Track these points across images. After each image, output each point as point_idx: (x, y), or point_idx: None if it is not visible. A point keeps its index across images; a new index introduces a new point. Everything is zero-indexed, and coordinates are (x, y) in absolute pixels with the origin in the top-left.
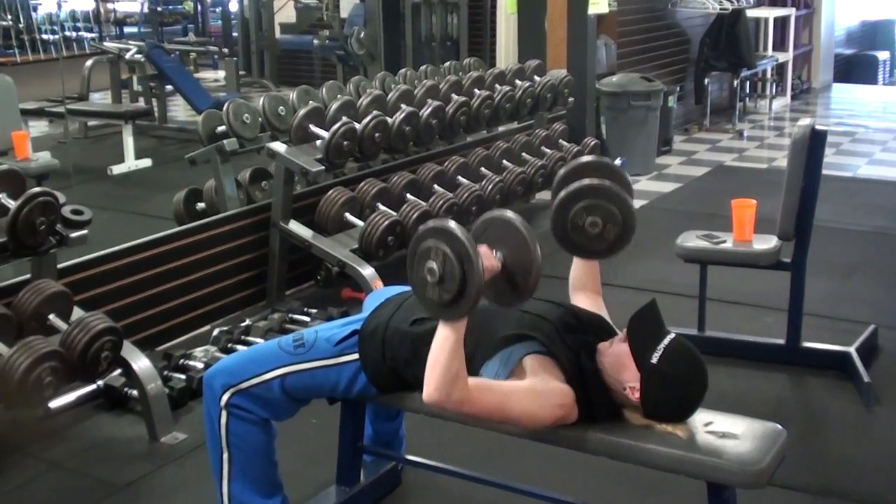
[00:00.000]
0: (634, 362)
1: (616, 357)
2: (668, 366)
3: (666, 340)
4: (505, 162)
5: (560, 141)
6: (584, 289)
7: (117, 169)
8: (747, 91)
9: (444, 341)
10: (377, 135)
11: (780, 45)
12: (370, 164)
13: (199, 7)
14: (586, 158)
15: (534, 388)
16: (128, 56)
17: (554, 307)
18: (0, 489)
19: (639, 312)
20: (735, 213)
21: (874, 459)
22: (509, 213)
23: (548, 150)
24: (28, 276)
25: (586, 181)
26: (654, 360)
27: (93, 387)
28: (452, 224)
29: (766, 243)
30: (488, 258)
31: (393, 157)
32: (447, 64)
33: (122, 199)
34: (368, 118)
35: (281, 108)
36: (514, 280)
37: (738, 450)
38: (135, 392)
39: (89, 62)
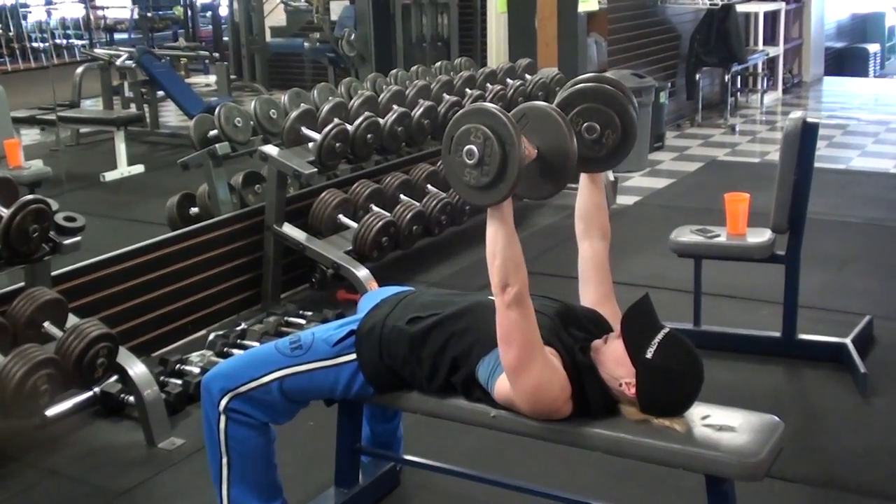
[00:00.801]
0: (629, 358)
1: (611, 353)
2: (663, 360)
3: (660, 335)
4: None
5: None
6: (588, 227)
7: (110, 175)
8: (738, 86)
9: (496, 234)
10: (369, 136)
11: (770, 39)
12: (363, 166)
13: (189, 12)
14: (586, 75)
15: (551, 361)
16: (118, 62)
17: (550, 302)
18: None
19: (632, 308)
20: (728, 207)
21: (872, 449)
22: (545, 104)
23: None
24: (22, 283)
25: (580, 85)
26: (649, 355)
27: (89, 394)
28: (493, 106)
29: (759, 237)
30: (526, 144)
31: (385, 158)
32: (438, 64)
33: (115, 205)
34: (360, 119)
35: (272, 111)
36: (549, 169)
37: (736, 442)
38: (131, 398)
39: (80, 69)
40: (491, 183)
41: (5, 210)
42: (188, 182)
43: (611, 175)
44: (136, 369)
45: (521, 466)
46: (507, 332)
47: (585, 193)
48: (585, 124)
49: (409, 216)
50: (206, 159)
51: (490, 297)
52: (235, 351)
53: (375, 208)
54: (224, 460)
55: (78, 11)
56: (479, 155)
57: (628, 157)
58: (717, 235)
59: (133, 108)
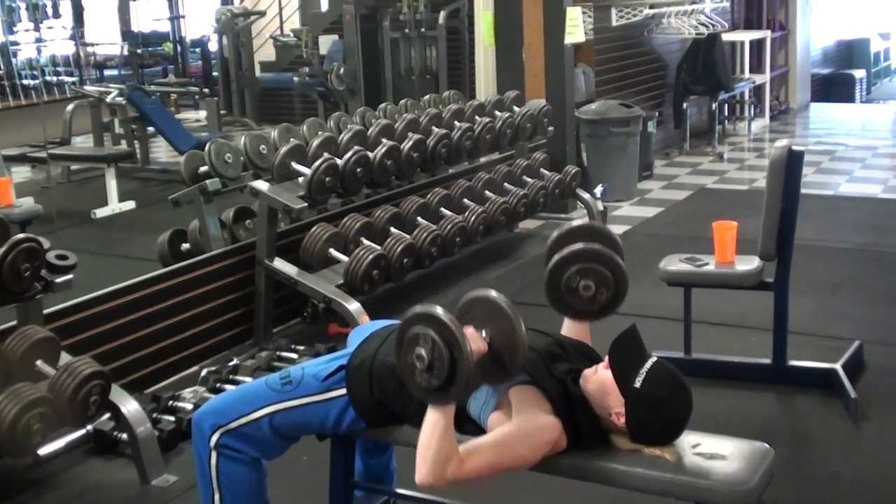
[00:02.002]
0: (618, 388)
1: (600, 384)
2: (651, 390)
3: (648, 364)
4: (487, 192)
5: (541, 170)
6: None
7: (101, 212)
8: (726, 114)
9: (434, 425)
10: (359, 170)
11: (756, 67)
12: (353, 199)
13: (179, 48)
14: (577, 222)
15: (522, 430)
16: (109, 99)
17: (539, 336)
18: None
19: (620, 338)
20: (716, 236)
21: (863, 475)
22: (493, 294)
23: (529, 180)
24: (14, 322)
25: (579, 245)
26: (638, 384)
27: (82, 432)
28: (440, 310)
29: (748, 264)
30: (475, 340)
31: (376, 192)
32: (427, 97)
33: (106, 242)
34: (350, 153)
35: (262, 146)
36: (499, 359)
37: (727, 470)
38: (124, 435)
39: (70, 106)
40: (441, 387)
41: None
42: (179, 218)
43: (600, 205)
44: (129, 406)
45: (514, 498)
46: (467, 483)
47: (571, 333)
48: (582, 282)
49: (399, 249)
50: (196, 195)
51: None
52: (228, 386)
53: (366, 241)
54: (216, 497)
55: (68, 48)
56: (429, 360)
57: (617, 185)
58: (706, 264)
59: (123, 145)
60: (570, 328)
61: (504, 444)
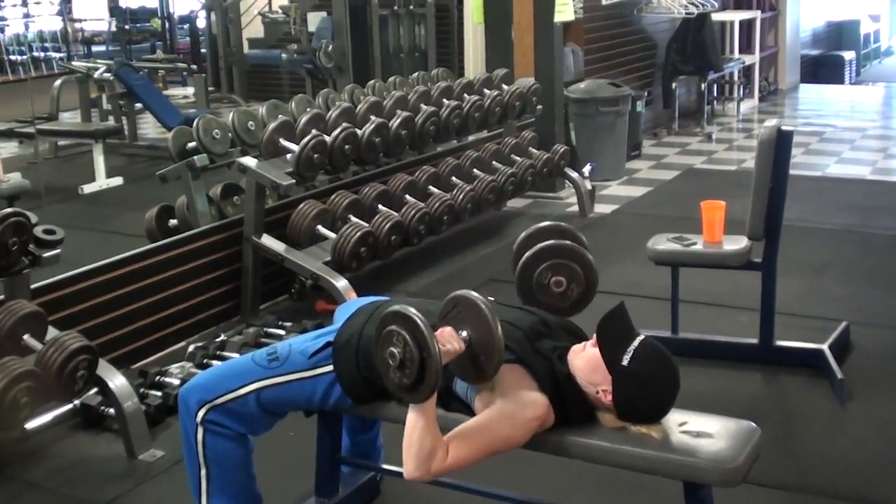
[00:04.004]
0: (605, 365)
1: (587, 361)
2: (638, 367)
3: (635, 342)
4: (475, 171)
5: (530, 148)
6: None
7: (88, 188)
8: (715, 94)
9: (415, 423)
10: (347, 147)
11: (746, 47)
12: (341, 177)
13: (167, 24)
14: (543, 224)
15: (507, 411)
16: (96, 75)
17: (524, 314)
18: None
19: (608, 315)
20: (704, 215)
21: (849, 455)
22: (475, 295)
23: (518, 158)
24: (1, 296)
25: (548, 242)
26: (625, 362)
27: (69, 406)
28: (413, 311)
29: (736, 244)
30: (453, 339)
31: (364, 169)
32: (415, 75)
33: (93, 217)
34: (338, 130)
35: (251, 122)
36: (477, 360)
37: (713, 448)
38: (111, 410)
39: (58, 82)
40: (412, 385)
41: None
42: (167, 194)
43: (588, 184)
44: (116, 381)
45: (501, 475)
46: (452, 471)
47: None
48: (553, 278)
49: (387, 226)
50: (184, 171)
51: None
52: (215, 362)
53: (354, 219)
54: (203, 472)
55: (56, 24)
56: (400, 358)
57: (606, 165)
58: (694, 243)
59: (111, 121)
60: None
61: (489, 427)
